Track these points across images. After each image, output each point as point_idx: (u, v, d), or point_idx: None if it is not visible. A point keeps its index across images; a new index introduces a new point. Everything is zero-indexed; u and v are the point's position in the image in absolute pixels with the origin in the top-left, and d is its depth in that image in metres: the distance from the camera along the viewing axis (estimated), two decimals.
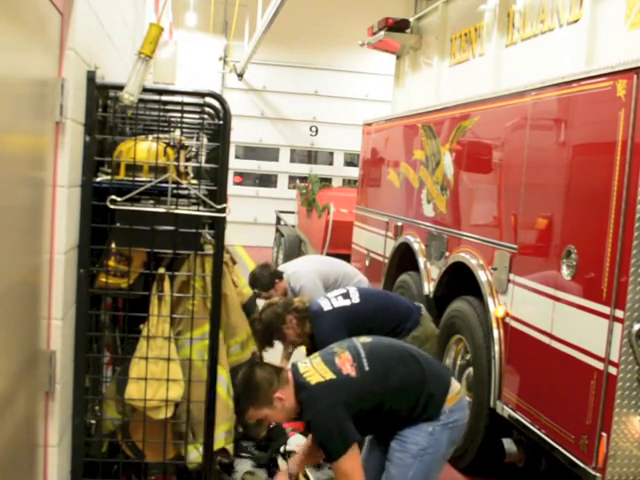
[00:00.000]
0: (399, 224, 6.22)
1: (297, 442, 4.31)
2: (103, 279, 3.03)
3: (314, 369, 3.17)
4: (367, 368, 3.15)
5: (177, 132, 3.26)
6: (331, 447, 3.04)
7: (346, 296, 4.19)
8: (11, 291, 2.21)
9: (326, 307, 4.11)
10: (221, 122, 3.10)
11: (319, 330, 4.04)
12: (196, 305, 3.11)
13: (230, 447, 3.34)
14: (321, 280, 5.16)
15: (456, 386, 3.26)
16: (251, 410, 3.14)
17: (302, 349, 4.67)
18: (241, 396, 3.19)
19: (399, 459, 3.13)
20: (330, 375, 3.10)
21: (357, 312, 4.08)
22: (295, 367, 3.23)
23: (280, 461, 4.26)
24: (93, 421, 3.16)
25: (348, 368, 3.13)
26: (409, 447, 3.12)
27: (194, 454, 3.18)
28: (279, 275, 5.17)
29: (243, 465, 4.29)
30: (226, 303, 3.30)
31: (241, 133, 14.34)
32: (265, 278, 5.11)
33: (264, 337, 4.03)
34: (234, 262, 3.70)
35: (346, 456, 2.99)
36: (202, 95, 3.21)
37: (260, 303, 4.29)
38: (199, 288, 3.11)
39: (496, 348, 4.24)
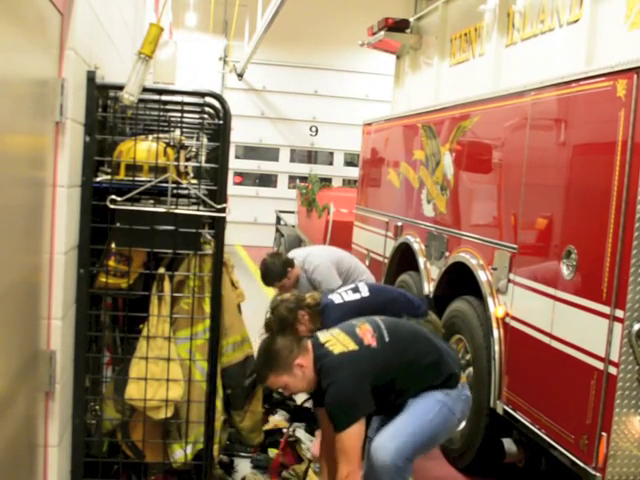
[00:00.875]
0: (399, 224, 6.22)
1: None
2: (103, 279, 3.03)
3: (335, 339, 3.23)
4: (387, 339, 3.23)
5: (177, 132, 3.26)
6: (340, 418, 3.06)
7: (356, 290, 4.26)
8: (11, 291, 2.21)
9: (337, 300, 4.17)
10: (221, 122, 3.10)
11: (329, 320, 4.04)
12: (189, 305, 3.11)
13: (216, 448, 3.33)
14: (334, 264, 5.24)
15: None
16: (271, 376, 3.18)
17: None
18: (261, 362, 3.23)
19: (418, 403, 3.21)
20: (353, 345, 3.16)
21: (367, 305, 4.11)
22: (315, 337, 3.29)
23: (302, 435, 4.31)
24: (93, 421, 3.16)
25: (369, 338, 3.20)
26: (428, 398, 3.21)
27: (178, 453, 3.18)
28: (291, 263, 5.16)
29: (243, 465, 4.29)
30: (221, 303, 3.30)
31: (241, 133, 14.34)
32: (277, 267, 5.10)
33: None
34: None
35: (350, 431, 3.02)
36: (202, 95, 3.22)
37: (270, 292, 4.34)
38: (195, 288, 3.11)
39: (496, 348, 4.24)
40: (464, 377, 3.46)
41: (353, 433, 3.03)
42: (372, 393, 3.12)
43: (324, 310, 4.10)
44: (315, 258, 5.26)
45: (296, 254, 5.48)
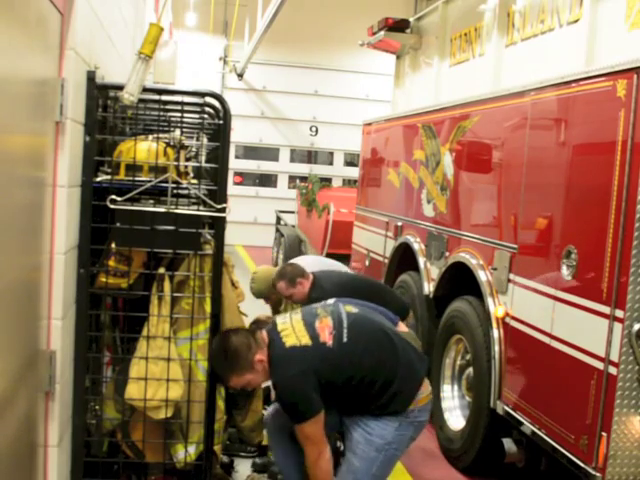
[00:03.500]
0: (399, 224, 6.22)
1: None
2: (103, 279, 3.03)
3: (292, 328, 3.10)
4: (345, 339, 3.08)
5: (177, 132, 3.26)
6: (295, 413, 3.01)
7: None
8: (11, 291, 2.21)
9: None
10: (221, 122, 3.10)
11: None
12: (190, 305, 3.11)
13: (218, 448, 3.33)
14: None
15: (428, 388, 3.23)
16: (233, 378, 3.07)
17: None
18: (220, 365, 3.08)
19: (363, 452, 3.10)
20: (306, 340, 3.03)
21: None
22: (274, 322, 3.17)
23: None
24: (93, 421, 3.16)
25: (326, 335, 3.06)
26: (374, 440, 3.09)
27: (182, 453, 3.18)
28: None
29: (243, 465, 4.29)
30: (221, 303, 3.30)
31: (241, 133, 14.33)
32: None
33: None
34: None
35: (310, 421, 2.96)
36: (202, 95, 3.22)
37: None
38: (195, 288, 3.11)
39: (496, 348, 4.24)
40: (427, 397, 3.19)
41: (313, 422, 2.96)
42: (329, 388, 3.03)
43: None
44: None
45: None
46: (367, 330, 3.20)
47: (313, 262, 5.36)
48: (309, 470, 3.07)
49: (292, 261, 5.37)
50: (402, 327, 3.63)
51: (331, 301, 3.34)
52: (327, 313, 3.17)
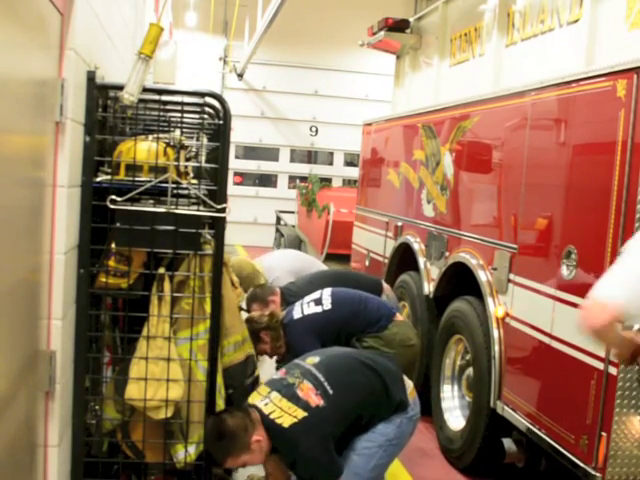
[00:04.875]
0: (399, 224, 6.22)
1: None
2: (103, 279, 3.03)
3: (279, 408, 3.04)
4: (331, 391, 3.08)
5: (177, 132, 3.26)
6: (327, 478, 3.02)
7: (318, 302, 4.19)
8: (11, 291, 2.21)
9: (297, 315, 4.14)
10: (221, 122, 3.10)
11: (290, 338, 4.08)
12: (190, 305, 3.11)
13: None
14: (294, 275, 5.27)
15: (410, 382, 3.36)
16: (229, 460, 3.07)
17: None
18: (215, 447, 3.04)
19: (364, 448, 3.13)
20: (301, 413, 2.99)
21: (327, 319, 4.11)
22: (257, 408, 3.09)
23: None
24: (93, 421, 3.16)
25: (314, 398, 3.03)
26: (376, 437, 3.12)
27: (182, 454, 3.18)
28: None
29: None
30: (221, 303, 3.30)
31: (241, 133, 14.33)
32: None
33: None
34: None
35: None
36: (202, 95, 3.21)
37: None
38: (195, 288, 3.11)
39: (496, 348, 4.24)
40: (413, 390, 3.35)
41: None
42: (344, 434, 3.07)
43: (286, 328, 4.09)
44: (273, 271, 5.39)
45: (261, 259, 5.69)
46: (341, 369, 3.24)
47: (279, 260, 5.73)
48: None
49: (263, 258, 5.73)
50: (399, 317, 4.15)
51: (292, 365, 3.32)
52: (300, 378, 3.14)
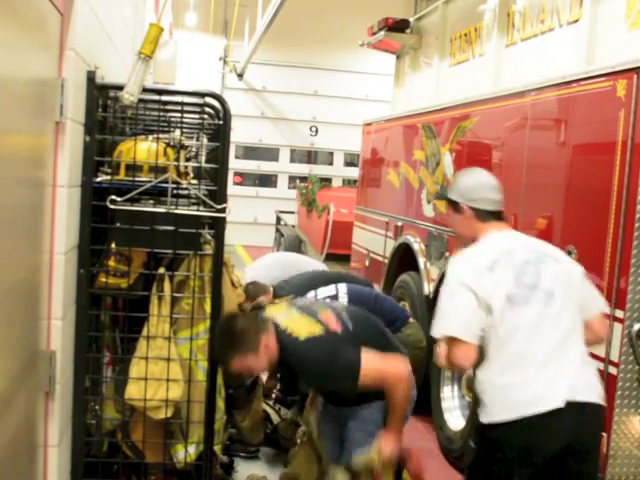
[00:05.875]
0: (399, 224, 6.22)
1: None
2: (103, 279, 3.03)
3: (297, 323, 3.05)
4: (351, 328, 3.09)
5: (177, 132, 3.26)
6: (347, 378, 2.96)
7: (334, 298, 4.14)
8: (11, 291, 2.21)
9: None
10: (221, 122, 3.10)
11: None
12: (190, 305, 3.11)
13: (218, 448, 3.33)
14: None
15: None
16: (235, 358, 2.98)
17: None
18: (224, 344, 3.00)
19: (360, 437, 3.12)
20: (319, 330, 2.99)
21: None
22: (275, 322, 3.09)
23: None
24: (93, 421, 3.16)
25: (334, 324, 3.04)
26: (369, 427, 3.11)
27: (182, 454, 3.18)
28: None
29: (243, 465, 4.29)
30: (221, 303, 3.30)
31: (241, 133, 14.34)
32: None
33: None
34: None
35: (364, 363, 2.93)
36: (202, 95, 3.22)
37: None
38: (195, 288, 3.11)
39: None
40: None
41: (366, 361, 2.94)
42: None
43: None
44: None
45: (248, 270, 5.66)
46: (365, 321, 3.27)
47: (258, 270, 5.57)
48: (395, 396, 3.03)
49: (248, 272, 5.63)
50: (411, 320, 4.25)
51: (317, 302, 3.38)
52: (324, 307, 3.19)
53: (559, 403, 2.49)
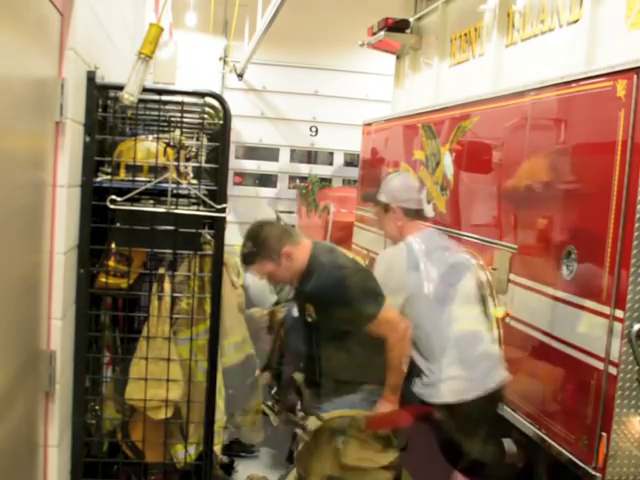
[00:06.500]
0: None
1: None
2: (103, 279, 3.03)
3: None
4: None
5: (177, 132, 3.26)
6: (366, 307, 3.14)
7: None
8: (11, 291, 2.21)
9: None
10: (221, 122, 3.10)
11: None
12: (190, 305, 3.11)
13: (218, 448, 3.33)
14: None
15: None
16: (256, 263, 3.24)
17: None
18: (248, 246, 3.26)
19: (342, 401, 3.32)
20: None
21: None
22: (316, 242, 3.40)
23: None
24: (93, 421, 3.16)
25: (363, 261, 3.39)
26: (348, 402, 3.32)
27: (182, 454, 3.18)
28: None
29: (243, 465, 4.29)
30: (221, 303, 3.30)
31: (241, 133, 14.32)
32: None
33: None
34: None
35: (387, 307, 3.16)
36: (202, 95, 3.22)
37: None
38: (195, 288, 3.11)
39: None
40: None
41: (387, 308, 3.15)
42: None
43: None
44: (249, 289, 5.31)
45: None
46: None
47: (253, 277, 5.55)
48: (394, 352, 3.22)
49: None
50: None
51: None
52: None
53: None
